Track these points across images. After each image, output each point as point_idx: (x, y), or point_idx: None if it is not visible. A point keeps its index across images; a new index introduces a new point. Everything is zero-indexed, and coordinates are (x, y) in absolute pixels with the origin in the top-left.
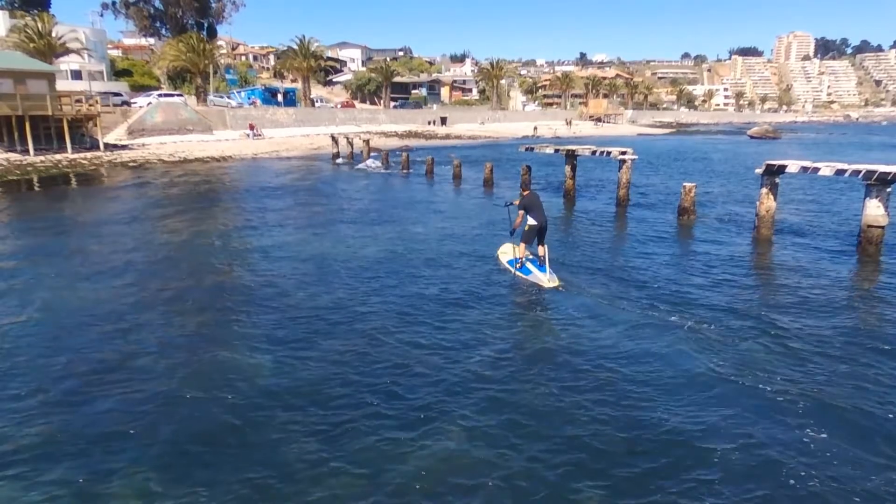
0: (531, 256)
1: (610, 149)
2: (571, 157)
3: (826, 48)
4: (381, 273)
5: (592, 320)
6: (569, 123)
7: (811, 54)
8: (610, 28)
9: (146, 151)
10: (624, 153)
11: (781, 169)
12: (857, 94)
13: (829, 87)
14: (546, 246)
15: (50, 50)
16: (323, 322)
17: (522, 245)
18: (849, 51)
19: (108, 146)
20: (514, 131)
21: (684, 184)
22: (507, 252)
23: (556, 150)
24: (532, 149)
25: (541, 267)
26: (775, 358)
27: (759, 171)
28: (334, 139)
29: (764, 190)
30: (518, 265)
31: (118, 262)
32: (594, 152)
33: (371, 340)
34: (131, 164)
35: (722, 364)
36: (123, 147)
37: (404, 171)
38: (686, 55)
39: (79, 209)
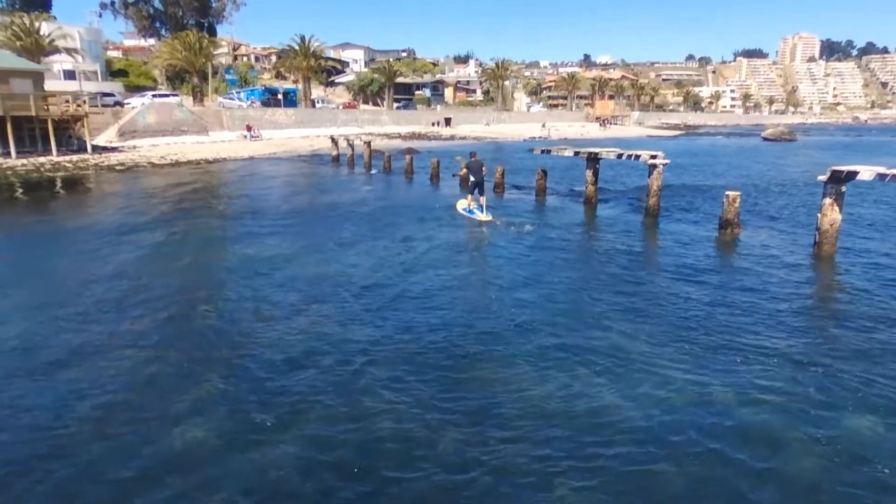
0: (474, 205)
1: (638, 152)
2: (594, 160)
3: (831, 50)
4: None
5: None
6: (603, 125)
7: (816, 56)
8: (614, 30)
9: (136, 154)
10: (654, 157)
11: (851, 176)
12: (863, 96)
13: (834, 88)
14: (484, 196)
15: (38, 48)
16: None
17: (469, 196)
18: (854, 52)
19: (96, 148)
20: (520, 132)
21: (727, 192)
22: (461, 204)
23: (577, 153)
24: (549, 151)
25: (480, 209)
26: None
27: (822, 177)
28: (334, 141)
29: (828, 200)
30: (468, 210)
31: (84, 291)
32: (620, 155)
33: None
34: (118, 167)
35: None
36: (113, 149)
37: (408, 175)
38: (690, 57)
39: (41, 221)
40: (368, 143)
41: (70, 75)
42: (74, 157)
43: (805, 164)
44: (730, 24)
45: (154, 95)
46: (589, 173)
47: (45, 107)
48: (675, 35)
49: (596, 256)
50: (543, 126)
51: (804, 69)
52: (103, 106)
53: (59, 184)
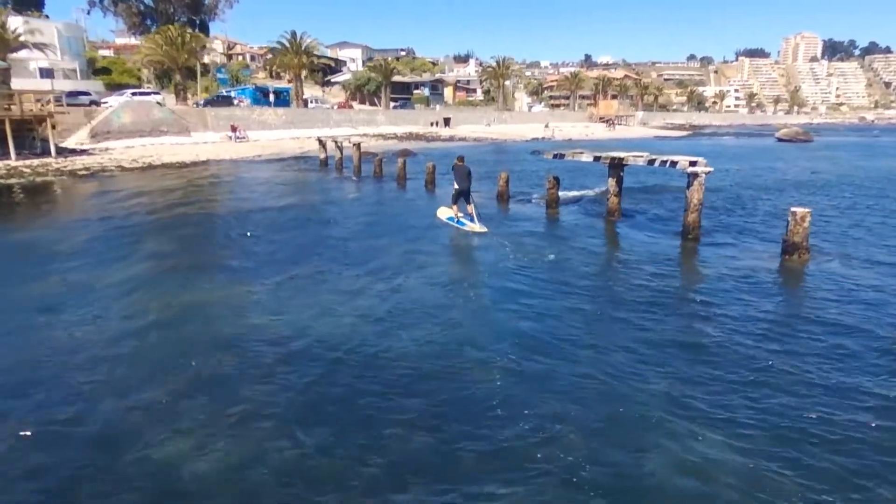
0: (461, 215)
1: (675, 158)
2: (618, 167)
3: (834, 49)
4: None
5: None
6: (610, 126)
7: (819, 56)
8: (614, 30)
9: (107, 157)
10: (694, 164)
11: None
12: (866, 96)
13: (837, 88)
14: (472, 204)
15: (2, 43)
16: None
17: (454, 206)
18: (857, 52)
19: (62, 151)
20: (523, 133)
21: (793, 209)
22: (444, 213)
23: (597, 158)
24: (562, 155)
25: (470, 218)
26: None
27: None
28: (321, 143)
29: None
30: (455, 220)
31: None
32: (651, 161)
33: None
34: (82, 171)
35: None
36: (81, 152)
37: (401, 181)
38: (692, 56)
39: None
40: (357, 146)
41: (48, 73)
42: (35, 162)
43: (842, 168)
44: (731, 23)
45: (133, 93)
46: (612, 182)
47: (7, 106)
48: (676, 35)
49: (630, 305)
50: (546, 126)
51: (806, 69)
52: (76, 105)
53: (7, 192)
